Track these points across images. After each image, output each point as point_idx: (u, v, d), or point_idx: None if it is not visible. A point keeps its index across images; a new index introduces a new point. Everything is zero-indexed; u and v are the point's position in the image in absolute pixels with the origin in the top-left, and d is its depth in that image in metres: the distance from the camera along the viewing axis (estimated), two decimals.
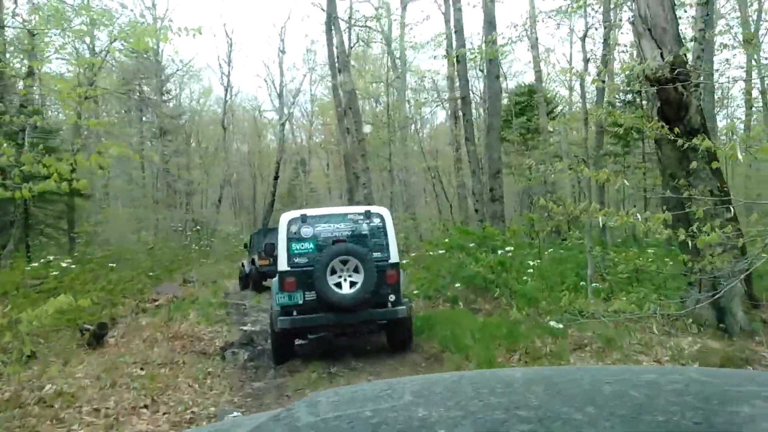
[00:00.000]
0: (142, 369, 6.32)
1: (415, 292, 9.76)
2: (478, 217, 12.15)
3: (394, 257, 7.05)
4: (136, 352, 7.53)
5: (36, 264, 11.18)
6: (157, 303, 13.06)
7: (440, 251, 10.56)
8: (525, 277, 7.62)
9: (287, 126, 41.47)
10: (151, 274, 15.57)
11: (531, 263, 9.12)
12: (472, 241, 10.41)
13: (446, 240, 10.95)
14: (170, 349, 7.79)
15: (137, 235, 23.12)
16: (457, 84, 14.68)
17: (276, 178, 36.63)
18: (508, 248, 9.63)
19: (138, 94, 30.00)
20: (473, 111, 19.53)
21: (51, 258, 12.46)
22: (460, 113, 14.35)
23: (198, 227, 28.56)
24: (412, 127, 26.23)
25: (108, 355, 7.39)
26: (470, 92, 13.10)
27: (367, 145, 15.09)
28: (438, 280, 10.04)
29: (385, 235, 7.08)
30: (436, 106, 19.41)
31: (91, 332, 7.75)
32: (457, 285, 9.59)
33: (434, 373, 1.67)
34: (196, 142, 39.60)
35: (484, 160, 12.84)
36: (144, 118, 32.79)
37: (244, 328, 10.20)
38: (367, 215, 7.19)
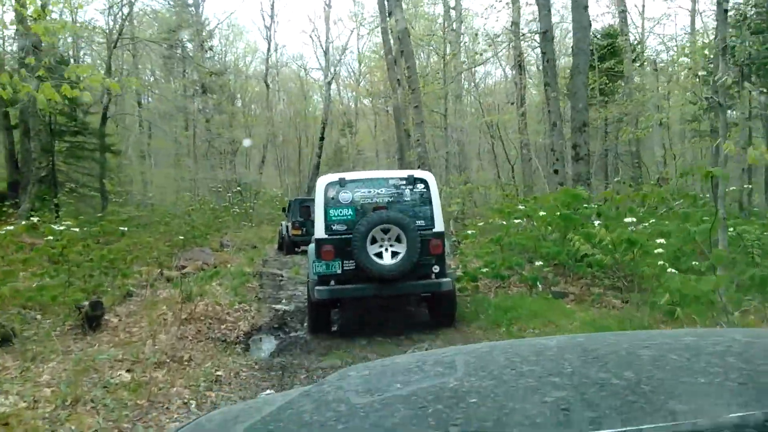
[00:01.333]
0: (128, 371, 4.71)
1: (484, 270, 7.86)
2: (558, 179, 10.08)
3: (438, 226, 6.59)
4: (136, 340, 5.99)
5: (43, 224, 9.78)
6: (183, 271, 11.64)
7: (515, 220, 8.60)
8: (659, 261, 5.66)
9: (333, 86, 39.65)
10: (182, 237, 14.16)
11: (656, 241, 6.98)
12: (568, 208, 8.31)
13: (521, 207, 8.95)
14: (179, 336, 6.21)
15: (175, 195, 21.89)
16: (530, 19, 12.49)
17: (322, 139, 35.04)
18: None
19: (179, 47, 28.68)
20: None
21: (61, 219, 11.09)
22: (541, 57, 12.05)
23: (239, 188, 27.22)
24: (467, 83, 23.83)
25: (100, 344, 5.86)
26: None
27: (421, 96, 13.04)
28: (511, 255, 8.10)
29: (430, 202, 6.63)
30: (495, 55, 16.96)
31: (83, 312, 6.24)
32: (539, 263, 7.65)
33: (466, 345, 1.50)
34: (241, 101, 38.29)
35: (566, 110, 10.65)
36: (186, 74, 31.43)
37: (277, 306, 8.57)
38: (410, 180, 6.73)
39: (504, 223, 9.21)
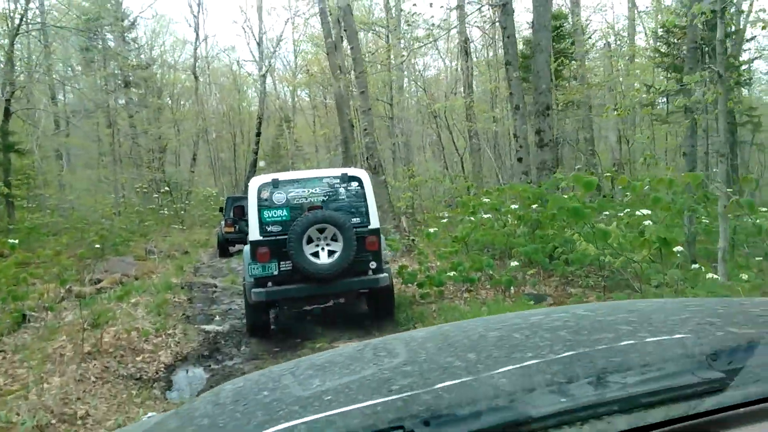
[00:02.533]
0: None
1: (451, 273, 6.81)
2: (522, 167, 9.17)
3: (374, 223, 6.69)
4: (17, 388, 4.57)
5: None
6: (98, 286, 10.05)
7: (486, 215, 7.58)
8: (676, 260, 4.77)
9: (269, 79, 37.91)
10: (98, 246, 12.45)
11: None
12: (537, 202, 7.42)
13: (486, 200, 7.93)
14: (78, 378, 4.83)
15: (95, 198, 19.80)
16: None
17: (258, 134, 33.34)
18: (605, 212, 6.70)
19: (98, 38, 26.29)
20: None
21: None
22: (501, 33, 11.05)
23: (168, 188, 25.21)
24: (408, 73, 22.82)
25: None
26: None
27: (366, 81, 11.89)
28: (480, 255, 7.10)
29: (364, 199, 6.71)
30: (438, 39, 15.93)
31: None
32: (514, 263, 6.66)
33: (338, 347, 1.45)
34: (169, 97, 35.85)
35: (521, 95, 9.77)
36: (106, 67, 28.92)
37: (208, 327, 7.23)
38: (344, 179, 6.78)
39: (468, 218, 8.21)
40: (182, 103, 39.94)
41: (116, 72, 28.01)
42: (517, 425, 0.74)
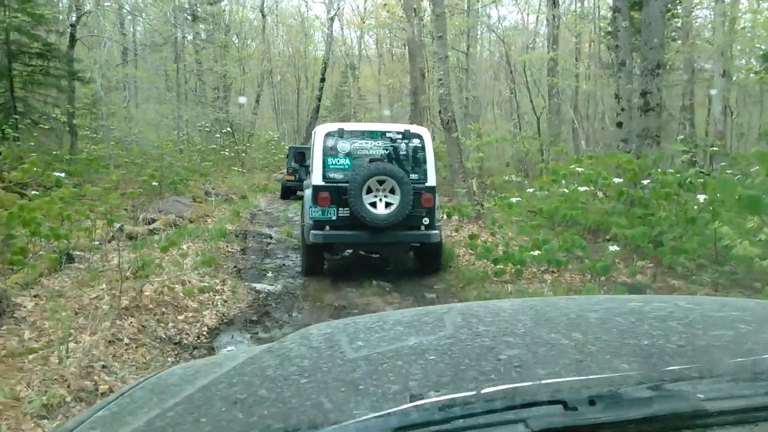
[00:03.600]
0: None
1: (535, 253, 5.86)
2: (622, 134, 7.94)
3: (431, 180, 6.92)
4: (40, 346, 4.04)
5: None
6: (152, 226, 9.64)
7: (579, 187, 6.50)
8: None
9: (337, 24, 36.77)
10: (156, 183, 12.08)
11: None
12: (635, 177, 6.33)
13: (579, 169, 6.82)
14: (109, 339, 4.26)
15: (157, 134, 19.61)
16: None
17: (322, 80, 32.56)
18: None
19: None
20: None
21: None
22: None
23: (230, 129, 24.86)
24: (485, 18, 21.13)
25: None
26: None
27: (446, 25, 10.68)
28: (572, 236, 6.10)
29: (424, 157, 6.94)
30: None
31: None
32: (613, 248, 5.64)
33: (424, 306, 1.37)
34: (236, 35, 35.24)
35: (630, 48, 8.36)
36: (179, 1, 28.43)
37: (258, 286, 6.60)
38: (407, 135, 7.00)
39: (545, 189, 7.17)
40: (249, 42, 39.38)
41: (185, 5, 27.57)
42: (692, 417, 0.69)
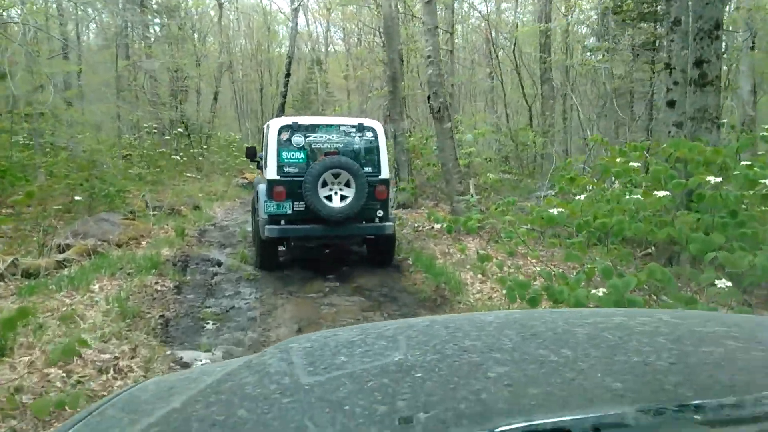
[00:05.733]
0: None
1: (599, 293, 3.91)
2: (672, 116, 6.04)
3: (384, 173, 7.06)
4: None
5: None
6: (62, 256, 7.41)
7: (633, 190, 4.55)
8: None
9: (302, 17, 34.63)
10: (78, 198, 9.82)
11: None
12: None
13: (635, 164, 4.90)
14: None
15: (96, 137, 17.17)
16: None
17: (287, 75, 30.20)
18: None
19: None
20: None
21: None
22: None
23: (184, 129, 22.45)
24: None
25: None
26: None
27: None
28: (655, 268, 4.15)
29: (377, 150, 7.06)
30: None
31: None
32: (723, 284, 3.71)
33: (405, 318, 1.49)
34: (191, 29, 32.66)
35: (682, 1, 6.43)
36: None
37: (188, 356, 4.45)
38: (360, 128, 7.08)
39: (582, 194, 5.23)
40: (208, 38, 36.86)
41: None
42: None
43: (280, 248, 7.40)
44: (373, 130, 7.07)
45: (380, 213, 6.89)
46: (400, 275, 7.16)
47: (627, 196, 4.46)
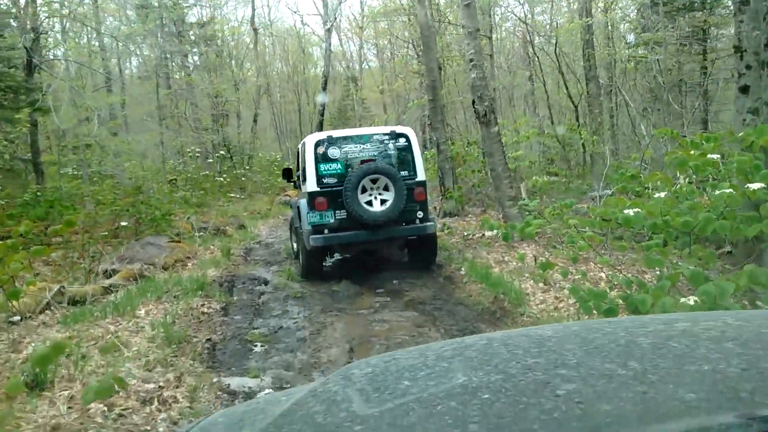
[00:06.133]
0: None
1: (690, 302, 3.43)
2: (747, 102, 5.46)
3: (420, 176, 7.17)
4: None
5: None
6: (110, 281, 7.34)
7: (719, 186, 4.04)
8: None
9: (335, 38, 34.82)
10: (125, 223, 9.84)
11: None
12: None
13: (716, 157, 4.41)
14: None
15: (141, 164, 17.45)
16: None
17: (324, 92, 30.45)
18: None
19: None
20: None
21: None
22: None
23: (227, 152, 22.66)
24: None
25: None
26: None
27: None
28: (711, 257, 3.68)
29: (412, 154, 7.19)
30: None
31: None
32: None
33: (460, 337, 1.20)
34: (229, 57, 33.26)
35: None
36: (166, 29, 26.43)
37: (235, 383, 4.16)
38: (393, 135, 7.24)
39: (656, 195, 4.74)
40: (246, 65, 37.54)
41: (172, 30, 25.61)
42: None
43: (325, 263, 7.58)
44: (406, 136, 7.23)
45: (420, 214, 7.04)
46: (453, 287, 6.78)
47: (713, 191, 3.99)
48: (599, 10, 14.74)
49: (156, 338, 4.97)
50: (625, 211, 4.11)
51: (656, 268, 4.74)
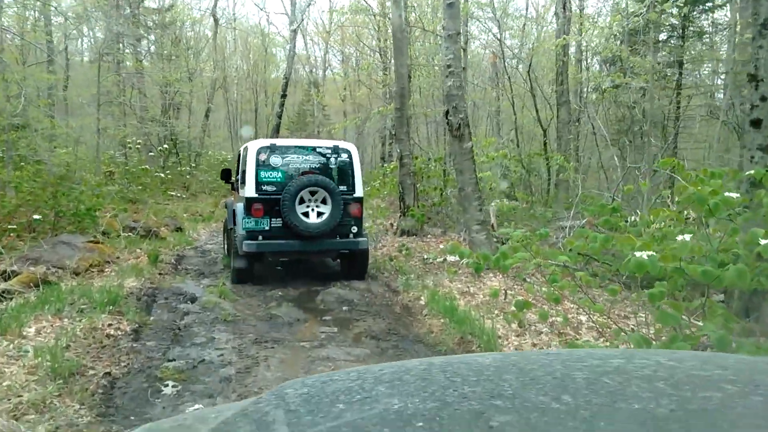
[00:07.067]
0: None
1: None
2: (758, 137, 4.81)
3: (359, 192, 7.36)
4: None
5: None
6: (3, 287, 6.11)
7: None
8: None
9: (300, 40, 33.86)
10: (38, 217, 8.56)
11: None
12: None
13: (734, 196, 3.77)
14: None
15: (74, 153, 15.94)
16: None
17: (284, 96, 29.31)
18: None
19: None
20: None
21: None
22: None
23: (172, 146, 21.24)
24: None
25: None
26: None
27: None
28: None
29: (352, 170, 7.36)
30: None
31: None
32: None
33: (402, 360, 1.16)
34: (186, 45, 31.68)
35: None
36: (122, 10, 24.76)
37: None
38: (336, 150, 7.37)
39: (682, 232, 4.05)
40: (203, 56, 36.01)
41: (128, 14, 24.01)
42: None
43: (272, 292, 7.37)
44: (348, 152, 7.39)
45: (354, 229, 7.21)
46: (412, 319, 5.93)
47: (731, 236, 3.31)
48: (575, 33, 14.39)
49: (39, 368, 3.91)
50: (637, 254, 3.37)
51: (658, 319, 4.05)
